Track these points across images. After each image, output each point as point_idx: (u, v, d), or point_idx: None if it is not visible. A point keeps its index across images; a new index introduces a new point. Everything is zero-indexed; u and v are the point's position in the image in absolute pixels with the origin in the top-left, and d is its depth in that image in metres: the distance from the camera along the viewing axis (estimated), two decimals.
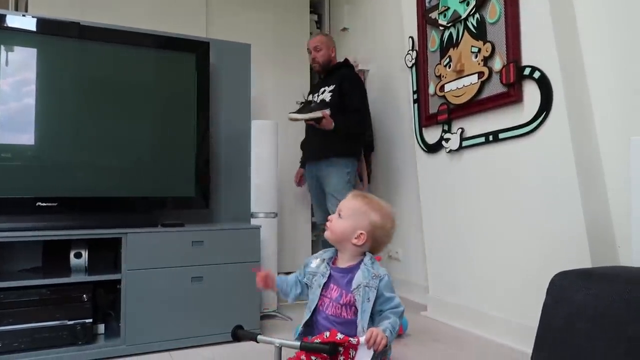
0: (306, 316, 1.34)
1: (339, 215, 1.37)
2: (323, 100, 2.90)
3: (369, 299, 1.26)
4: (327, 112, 2.80)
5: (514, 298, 2.20)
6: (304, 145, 3.23)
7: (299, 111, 2.84)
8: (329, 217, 1.40)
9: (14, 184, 2.13)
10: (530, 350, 1.45)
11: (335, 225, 1.36)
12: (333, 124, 2.78)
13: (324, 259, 1.39)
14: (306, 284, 1.38)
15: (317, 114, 2.79)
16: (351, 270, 1.32)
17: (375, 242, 1.37)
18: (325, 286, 1.33)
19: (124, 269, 2.10)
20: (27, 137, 2.18)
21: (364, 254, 1.36)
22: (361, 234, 1.33)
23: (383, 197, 3.42)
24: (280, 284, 1.42)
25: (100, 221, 2.24)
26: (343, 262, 1.36)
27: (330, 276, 1.34)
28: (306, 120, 2.83)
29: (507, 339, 2.19)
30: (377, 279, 1.28)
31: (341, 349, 1.15)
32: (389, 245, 3.40)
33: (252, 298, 2.34)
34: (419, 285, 3.06)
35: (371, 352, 1.15)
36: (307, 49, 3.16)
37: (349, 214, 1.35)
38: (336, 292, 1.31)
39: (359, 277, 1.29)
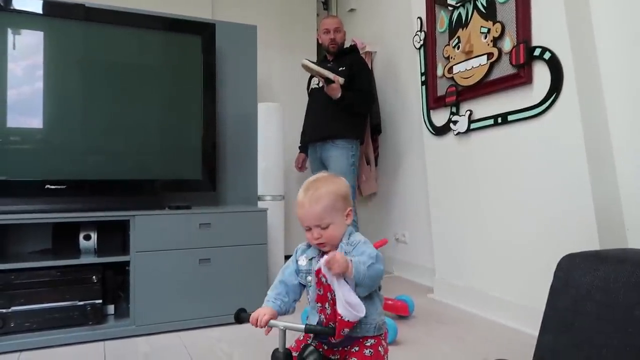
0: (315, 318, 1.21)
1: (320, 227, 1.20)
2: (343, 71, 2.88)
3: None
4: (341, 80, 2.79)
5: (521, 280, 2.19)
6: (306, 128, 3.21)
7: (314, 63, 2.83)
8: (312, 238, 1.21)
9: (23, 167, 2.14)
10: (536, 333, 1.45)
11: (328, 235, 1.20)
12: (340, 94, 2.76)
13: (310, 258, 1.26)
14: (301, 283, 1.26)
15: (330, 74, 2.77)
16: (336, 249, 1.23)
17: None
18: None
19: (133, 250, 2.13)
20: (35, 121, 2.19)
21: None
22: (349, 211, 1.24)
23: (390, 180, 3.47)
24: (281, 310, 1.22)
25: (108, 204, 2.26)
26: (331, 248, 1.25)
27: None
28: (317, 74, 2.81)
29: (513, 321, 2.20)
30: (348, 254, 1.18)
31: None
32: (395, 228, 3.41)
33: (259, 280, 2.36)
34: (425, 267, 3.06)
35: (345, 283, 1.09)
36: (326, 29, 3.08)
37: (327, 214, 1.19)
38: None
39: None
